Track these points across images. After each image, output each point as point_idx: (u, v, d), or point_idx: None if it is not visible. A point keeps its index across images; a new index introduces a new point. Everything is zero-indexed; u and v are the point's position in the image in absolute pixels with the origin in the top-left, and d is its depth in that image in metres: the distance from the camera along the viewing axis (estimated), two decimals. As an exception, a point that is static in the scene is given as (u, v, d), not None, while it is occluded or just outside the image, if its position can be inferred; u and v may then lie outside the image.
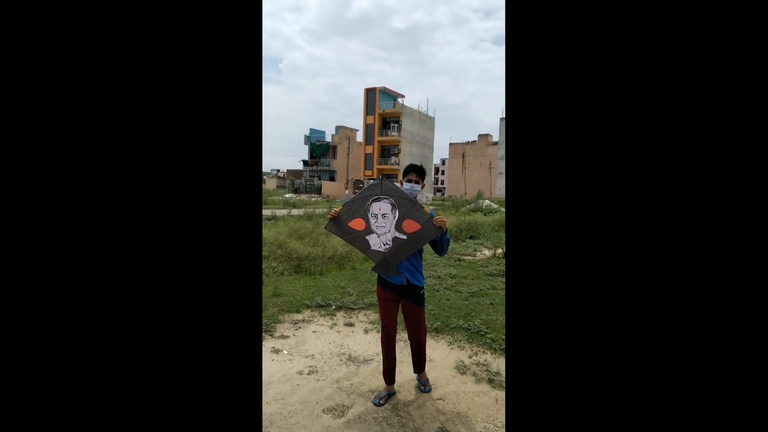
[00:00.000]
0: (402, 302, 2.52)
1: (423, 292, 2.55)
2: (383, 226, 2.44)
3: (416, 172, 2.56)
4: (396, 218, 2.42)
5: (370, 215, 2.46)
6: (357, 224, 2.48)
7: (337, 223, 2.50)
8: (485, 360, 3.14)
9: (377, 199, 2.46)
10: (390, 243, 2.43)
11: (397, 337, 2.73)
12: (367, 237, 2.47)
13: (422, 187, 2.57)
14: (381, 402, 2.49)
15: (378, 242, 2.46)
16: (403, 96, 41.87)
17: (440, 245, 2.46)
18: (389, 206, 2.44)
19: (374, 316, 4.13)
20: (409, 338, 2.62)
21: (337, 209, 2.52)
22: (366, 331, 3.73)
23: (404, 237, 2.41)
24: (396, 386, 2.65)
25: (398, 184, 2.55)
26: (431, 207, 2.96)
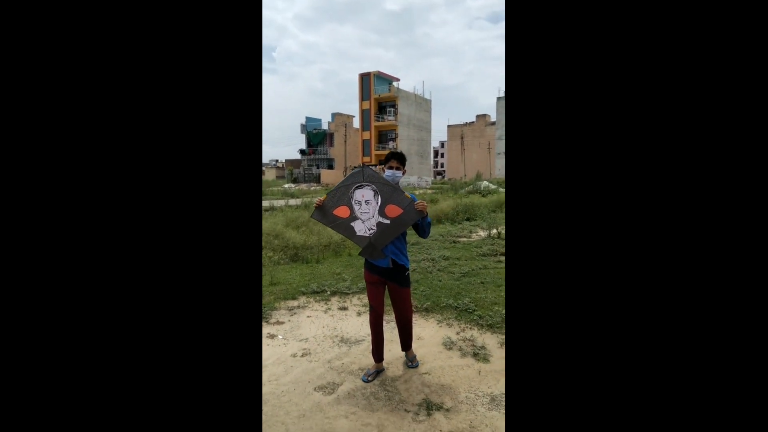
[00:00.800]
0: (388, 284, 2.65)
1: (408, 274, 2.67)
2: (367, 212, 2.55)
3: (397, 158, 2.66)
4: (379, 204, 2.53)
5: (353, 202, 2.57)
6: (341, 212, 2.59)
7: (323, 212, 2.61)
8: (471, 336, 3.27)
9: (360, 187, 2.56)
10: (374, 228, 2.55)
11: (386, 317, 2.85)
12: (352, 223, 2.58)
13: (403, 173, 2.67)
14: (369, 378, 2.63)
15: (363, 228, 2.57)
16: (398, 80, 41.53)
17: (422, 228, 2.58)
18: (372, 192, 2.54)
19: (367, 299, 4.26)
20: (396, 318, 2.75)
21: (321, 198, 2.63)
22: (359, 314, 3.86)
23: (387, 221, 2.52)
24: (385, 363, 2.79)
25: (379, 170, 2.66)
26: (414, 192, 3.05)
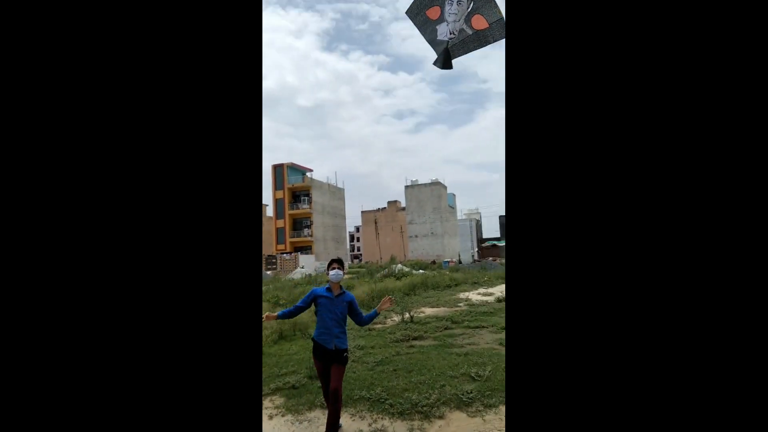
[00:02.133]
0: (332, 364, 3.08)
1: (346, 354, 3.14)
2: (455, 13, 2.43)
3: (337, 262, 3.26)
4: (469, 9, 2.42)
5: (447, 1, 2.44)
6: (433, 12, 2.49)
7: (417, 9, 2.52)
8: (383, 425, 3.40)
9: None
10: (456, 33, 2.42)
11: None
12: (437, 26, 2.48)
13: (344, 273, 3.17)
14: None
15: (445, 31, 2.44)
16: (311, 170, 43.25)
17: (368, 317, 3.20)
18: None
19: (279, 401, 4.18)
20: (331, 387, 3.02)
21: None
22: (270, 417, 3.77)
23: (470, 32, 2.42)
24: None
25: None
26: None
